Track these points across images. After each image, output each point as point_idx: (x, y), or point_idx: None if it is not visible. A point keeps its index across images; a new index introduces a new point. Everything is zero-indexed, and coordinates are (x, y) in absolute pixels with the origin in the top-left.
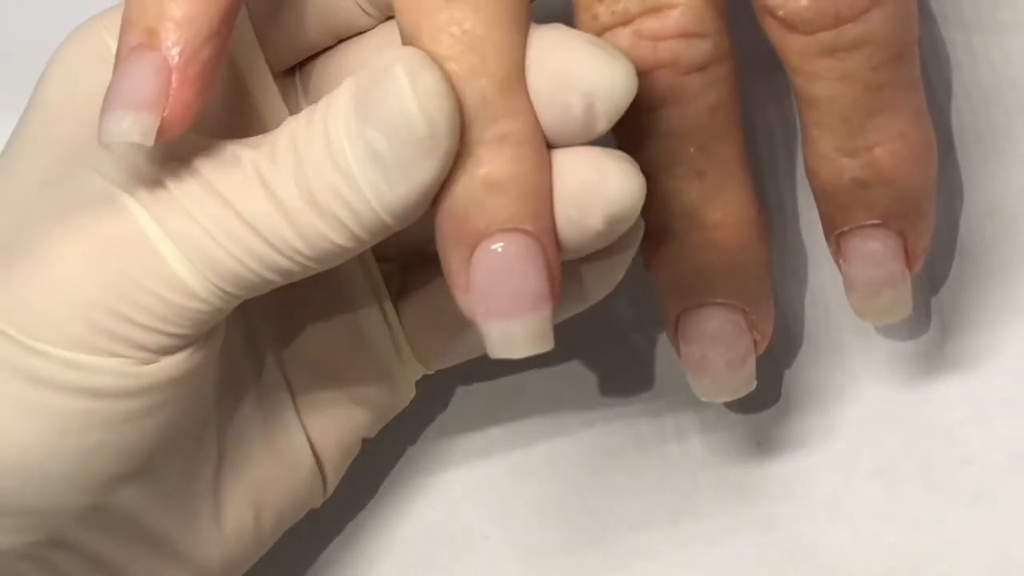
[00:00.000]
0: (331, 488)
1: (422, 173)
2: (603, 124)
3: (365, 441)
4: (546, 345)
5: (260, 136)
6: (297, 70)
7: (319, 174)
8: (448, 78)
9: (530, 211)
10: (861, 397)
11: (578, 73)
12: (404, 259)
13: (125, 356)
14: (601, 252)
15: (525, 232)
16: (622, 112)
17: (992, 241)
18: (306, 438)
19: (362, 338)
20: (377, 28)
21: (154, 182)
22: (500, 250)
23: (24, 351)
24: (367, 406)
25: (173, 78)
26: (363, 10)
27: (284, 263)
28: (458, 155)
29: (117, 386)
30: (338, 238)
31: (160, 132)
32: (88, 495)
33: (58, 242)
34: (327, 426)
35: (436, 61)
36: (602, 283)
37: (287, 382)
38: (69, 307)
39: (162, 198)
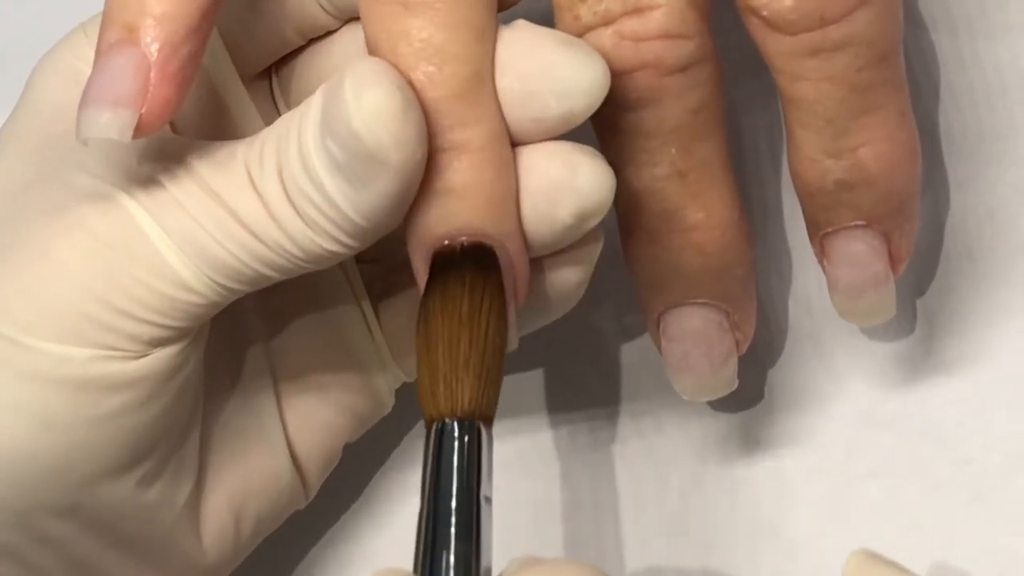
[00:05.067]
0: (312, 493)
1: (380, 184)
2: (575, 121)
3: (346, 447)
4: (510, 346)
5: (256, 135)
6: (273, 72)
7: (294, 179)
8: (406, 90)
9: (486, 216)
10: (861, 397)
11: (550, 72)
12: (386, 261)
13: (116, 348)
14: (565, 259)
15: (482, 237)
16: (594, 109)
17: (991, 242)
18: (286, 443)
19: (344, 343)
20: (344, 28)
21: (147, 178)
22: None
23: (13, 346)
24: (348, 412)
25: (152, 74)
26: (324, 10)
27: (277, 260)
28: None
29: (103, 380)
30: (324, 241)
31: (138, 128)
32: (70, 492)
33: (53, 236)
34: (308, 431)
35: (397, 71)
36: (568, 290)
37: (273, 388)
38: (64, 298)
39: (156, 193)
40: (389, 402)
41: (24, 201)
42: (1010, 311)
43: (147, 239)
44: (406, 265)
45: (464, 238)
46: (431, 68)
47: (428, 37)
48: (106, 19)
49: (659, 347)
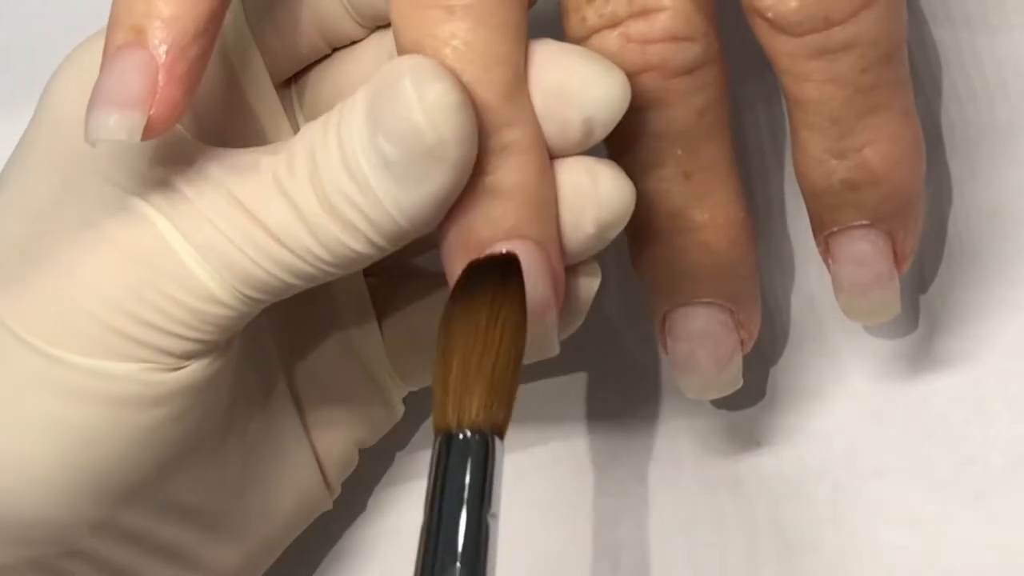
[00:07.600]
0: (335, 495)
1: (434, 182)
2: (599, 135)
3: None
4: (551, 351)
5: (279, 143)
6: (293, 81)
7: (335, 183)
8: (462, 85)
9: (533, 219)
10: (862, 397)
11: (574, 88)
12: (388, 274)
13: (150, 362)
14: (579, 270)
15: (529, 240)
16: (615, 122)
17: (993, 240)
18: (313, 452)
19: (359, 358)
20: (369, 38)
21: (172, 190)
22: None
23: (50, 362)
24: (366, 421)
25: (160, 76)
26: (355, 20)
27: (305, 268)
28: None
29: (141, 394)
30: (358, 245)
31: (147, 130)
32: (107, 506)
33: (82, 251)
34: (330, 440)
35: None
36: (581, 302)
37: (295, 400)
38: (94, 314)
39: (181, 205)
40: (400, 409)
41: (52, 217)
42: (1012, 309)
43: (174, 253)
44: (407, 279)
45: (500, 245)
46: (478, 70)
47: (472, 39)
48: (113, 21)
49: (664, 347)
